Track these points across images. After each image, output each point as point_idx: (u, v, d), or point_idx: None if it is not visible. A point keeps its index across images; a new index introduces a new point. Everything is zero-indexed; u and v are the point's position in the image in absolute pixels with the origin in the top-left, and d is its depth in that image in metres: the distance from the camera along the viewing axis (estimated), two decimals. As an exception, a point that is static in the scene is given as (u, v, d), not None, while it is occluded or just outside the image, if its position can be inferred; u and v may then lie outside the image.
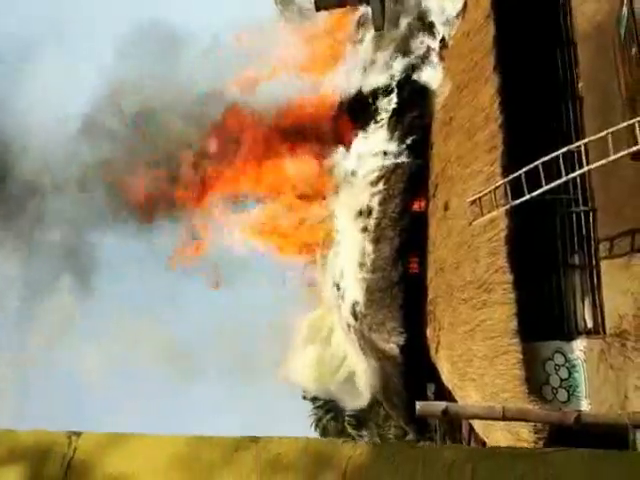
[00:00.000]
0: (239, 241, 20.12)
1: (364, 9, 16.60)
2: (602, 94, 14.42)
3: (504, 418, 8.62)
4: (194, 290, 22.14)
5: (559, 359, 13.56)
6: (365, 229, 17.26)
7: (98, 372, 21.78)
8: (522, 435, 11.75)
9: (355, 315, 17.30)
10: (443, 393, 15.51)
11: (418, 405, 8.36)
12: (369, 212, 17.28)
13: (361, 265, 17.02)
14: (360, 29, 18.99)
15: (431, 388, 16.73)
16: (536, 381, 13.21)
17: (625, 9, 12.91)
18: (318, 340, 19.26)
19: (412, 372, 16.32)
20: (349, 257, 17.58)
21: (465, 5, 17.07)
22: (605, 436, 8.15)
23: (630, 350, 12.86)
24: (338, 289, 18.48)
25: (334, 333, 18.97)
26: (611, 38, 13.99)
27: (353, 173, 18.13)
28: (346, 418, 26.61)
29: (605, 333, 13.37)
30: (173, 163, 19.67)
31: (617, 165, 12.13)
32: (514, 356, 12.67)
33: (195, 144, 19.52)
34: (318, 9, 7.17)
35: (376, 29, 7.27)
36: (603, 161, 11.74)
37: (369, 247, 16.93)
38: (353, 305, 17.33)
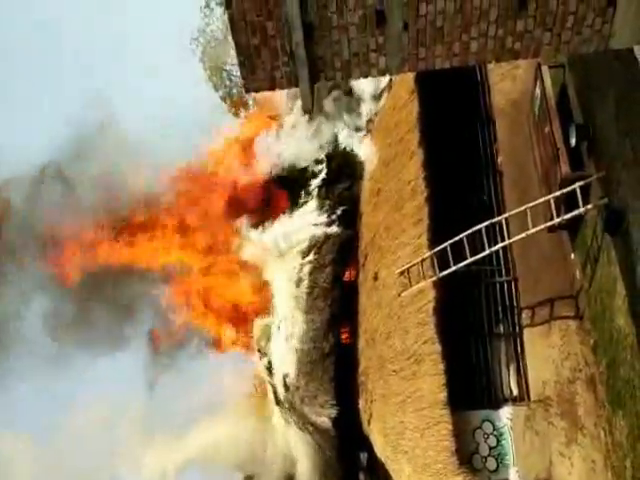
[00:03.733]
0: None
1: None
2: (520, 168, 15.19)
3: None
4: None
5: (487, 427, 13.80)
6: (296, 299, 17.28)
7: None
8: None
9: (286, 387, 17.13)
10: (376, 464, 15.43)
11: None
12: (300, 282, 17.35)
13: (292, 335, 16.97)
14: (290, 101, 19.48)
15: (364, 457, 16.64)
16: (466, 451, 13.38)
17: (538, 90, 13.76)
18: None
19: (345, 444, 16.20)
20: (280, 327, 17.52)
21: (390, 80, 17.77)
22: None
23: (553, 416, 13.23)
24: (267, 359, 18.35)
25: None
26: (526, 115, 14.84)
27: (284, 243, 18.24)
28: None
29: (530, 400, 13.72)
30: None
31: (536, 237, 12.72)
32: (444, 427, 12.82)
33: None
34: (247, 91, 7.29)
35: (305, 112, 7.50)
36: (523, 234, 12.30)
37: (300, 317, 16.94)
38: (284, 377, 17.18)
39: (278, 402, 17.82)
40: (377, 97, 18.05)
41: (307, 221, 17.91)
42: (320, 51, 6.68)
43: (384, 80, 17.97)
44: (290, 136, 18.85)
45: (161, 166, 19.60)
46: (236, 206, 19.02)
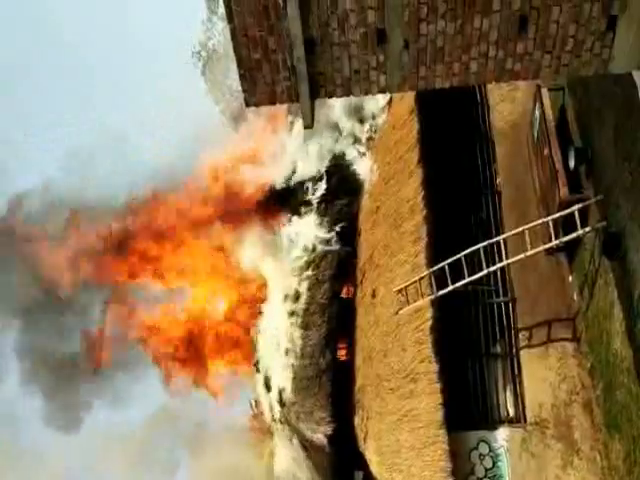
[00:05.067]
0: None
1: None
2: (518, 189, 15.23)
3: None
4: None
5: (483, 448, 13.71)
6: (293, 313, 17.25)
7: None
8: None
9: (282, 402, 17.05)
10: (371, 482, 15.33)
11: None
12: (297, 297, 17.33)
13: (288, 351, 16.92)
14: (290, 116, 19.59)
15: (359, 476, 16.50)
16: (462, 472, 13.29)
17: (537, 112, 13.84)
18: None
19: (340, 461, 16.10)
20: (276, 342, 17.47)
21: (390, 99, 17.87)
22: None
23: (549, 438, 13.13)
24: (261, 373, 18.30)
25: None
26: (525, 137, 14.92)
27: (283, 257, 18.26)
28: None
29: (526, 422, 13.64)
30: None
31: (534, 258, 12.71)
32: (440, 447, 12.74)
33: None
34: (248, 105, 7.34)
35: (306, 127, 7.49)
36: (521, 255, 12.28)
37: (297, 333, 16.91)
38: (280, 392, 17.10)
39: (273, 418, 17.74)
40: (377, 115, 18.14)
41: (306, 236, 17.92)
42: (321, 67, 6.74)
43: (384, 99, 18.01)
44: (290, 152, 18.97)
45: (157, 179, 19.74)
46: (233, 219, 19.11)
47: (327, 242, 17.62)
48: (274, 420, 17.70)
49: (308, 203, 18.48)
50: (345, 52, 6.65)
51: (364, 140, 18.32)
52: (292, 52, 6.46)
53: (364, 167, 17.85)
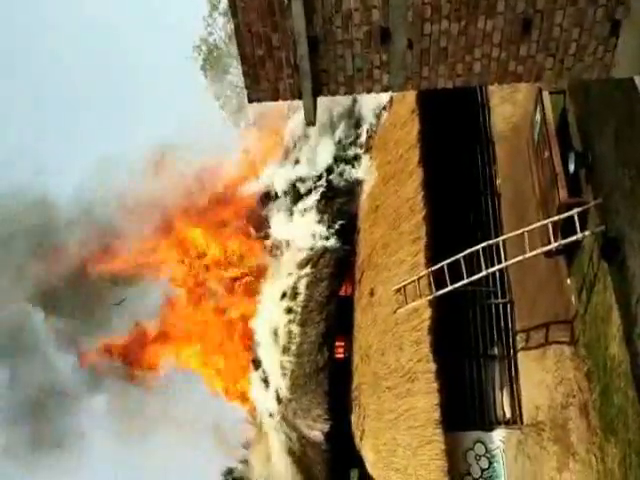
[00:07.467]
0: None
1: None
2: (518, 191, 15.25)
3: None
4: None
5: (480, 449, 13.74)
6: (290, 311, 17.26)
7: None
8: None
9: (279, 399, 17.06)
10: (367, 480, 15.36)
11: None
12: (295, 294, 17.33)
13: (286, 349, 16.93)
14: (291, 114, 19.59)
15: (355, 474, 16.53)
16: (458, 472, 13.32)
17: (538, 115, 13.85)
18: None
19: (336, 459, 16.13)
20: (273, 339, 17.48)
21: (391, 99, 17.86)
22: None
23: (546, 440, 13.15)
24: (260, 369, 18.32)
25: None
26: (526, 139, 14.93)
27: (281, 254, 18.28)
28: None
29: (522, 423, 13.67)
30: None
31: (533, 260, 12.72)
32: (437, 446, 12.76)
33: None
34: (250, 101, 7.36)
35: (307, 124, 7.53)
36: (520, 257, 12.29)
37: (295, 330, 16.91)
38: (277, 389, 17.11)
39: (270, 414, 17.75)
40: (378, 114, 18.14)
41: (305, 233, 17.90)
42: (324, 65, 6.74)
43: (385, 98, 17.97)
44: (291, 149, 18.98)
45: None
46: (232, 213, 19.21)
47: (326, 239, 17.61)
48: (270, 416, 17.71)
49: (309, 200, 18.45)
50: (348, 50, 6.66)
51: (364, 139, 18.33)
52: (296, 49, 6.46)
53: (364, 166, 17.87)
